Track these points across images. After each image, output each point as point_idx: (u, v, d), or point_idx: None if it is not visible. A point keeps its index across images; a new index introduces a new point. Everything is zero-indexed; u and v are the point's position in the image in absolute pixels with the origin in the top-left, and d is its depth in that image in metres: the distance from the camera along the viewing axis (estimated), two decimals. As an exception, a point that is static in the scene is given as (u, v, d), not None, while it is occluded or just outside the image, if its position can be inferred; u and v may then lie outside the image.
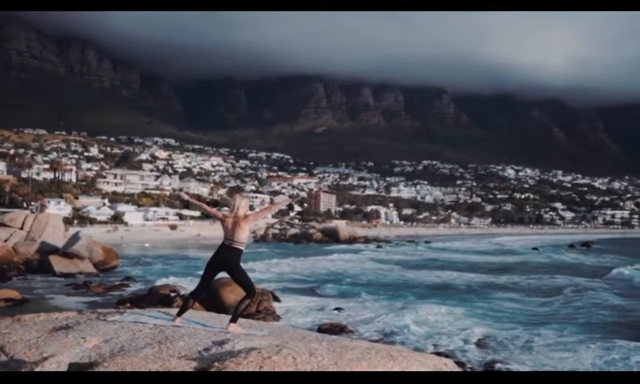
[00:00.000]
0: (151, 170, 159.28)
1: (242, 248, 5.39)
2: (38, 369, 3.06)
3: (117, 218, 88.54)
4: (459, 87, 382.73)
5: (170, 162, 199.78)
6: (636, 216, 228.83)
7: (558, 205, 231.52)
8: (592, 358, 13.15)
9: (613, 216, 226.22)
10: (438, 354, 11.27)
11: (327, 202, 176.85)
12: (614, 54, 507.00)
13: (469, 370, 11.12)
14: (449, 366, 4.08)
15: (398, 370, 3.60)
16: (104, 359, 3.50)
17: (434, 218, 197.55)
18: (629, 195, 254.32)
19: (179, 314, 5.30)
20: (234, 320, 5.22)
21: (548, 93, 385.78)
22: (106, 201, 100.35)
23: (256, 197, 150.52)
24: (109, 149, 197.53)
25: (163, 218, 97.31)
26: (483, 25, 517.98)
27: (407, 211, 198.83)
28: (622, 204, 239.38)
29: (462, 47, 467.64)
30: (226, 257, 5.33)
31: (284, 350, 3.51)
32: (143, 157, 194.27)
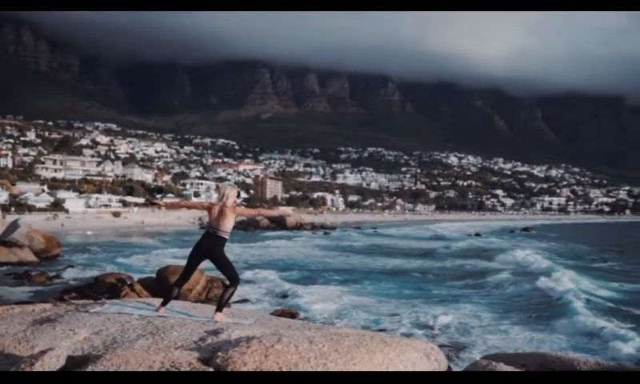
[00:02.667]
0: (92, 156, 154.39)
1: (227, 237, 5.33)
2: (38, 363, 2.96)
3: (57, 205, 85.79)
4: (404, 75, 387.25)
5: (112, 147, 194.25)
6: (572, 202, 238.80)
7: (499, 192, 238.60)
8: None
9: (550, 203, 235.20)
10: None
11: (273, 189, 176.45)
12: (552, 46, 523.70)
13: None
14: (435, 349, 4.20)
15: (393, 354, 3.68)
16: (103, 352, 3.42)
17: (379, 204, 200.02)
18: (565, 183, 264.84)
19: (163, 304, 5.22)
20: (219, 309, 5.18)
21: (490, 82, 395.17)
22: (45, 187, 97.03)
23: (201, 183, 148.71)
24: (47, 133, 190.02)
25: (106, 205, 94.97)
26: (427, 14, 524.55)
27: (353, 198, 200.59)
28: (558, 191, 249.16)
29: (407, 36, 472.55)
30: (210, 245, 5.26)
31: (284, 338, 3.52)
32: (83, 142, 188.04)
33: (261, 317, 5.94)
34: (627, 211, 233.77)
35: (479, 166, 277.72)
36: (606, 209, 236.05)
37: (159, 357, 3.18)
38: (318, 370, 3.28)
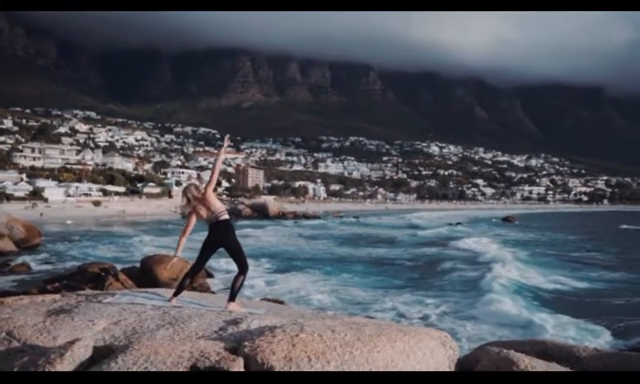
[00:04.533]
0: (71, 144, 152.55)
1: (226, 216, 5.33)
2: (67, 354, 2.93)
3: (36, 194, 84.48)
4: (386, 64, 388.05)
5: (92, 135, 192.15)
6: (551, 192, 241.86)
7: (480, 181, 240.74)
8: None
9: (530, 192, 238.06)
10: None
11: (255, 178, 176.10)
12: (533, 37, 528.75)
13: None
14: (449, 337, 4.26)
15: (412, 343, 3.73)
16: (125, 342, 3.41)
17: (361, 193, 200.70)
18: (544, 172, 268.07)
19: (175, 295, 5.21)
20: (232, 299, 5.18)
21: (471, 72, 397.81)
22: (24, 176, 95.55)
23: (182, 172, 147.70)
24: (24, 121, 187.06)
25: (86, 194, 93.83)
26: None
27: (335, 187, 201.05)
28: (538, 180, 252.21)
29: (389, 25, 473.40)
30: (219, 234, 5.26)
31: (306, 328, 3.55)
32: (62, 130, 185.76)
33: (271, 306, 5.97)
34: (605, 201, 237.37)
35: (460, 155, 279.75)
36: (585, 198, 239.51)
37: (187, 347, 3.17)
38: (345, 357, 3.32)
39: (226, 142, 5.80)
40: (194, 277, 5.38)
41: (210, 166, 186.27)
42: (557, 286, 21.92)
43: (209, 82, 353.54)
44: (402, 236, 49.45)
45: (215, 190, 5.51)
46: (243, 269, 5.32)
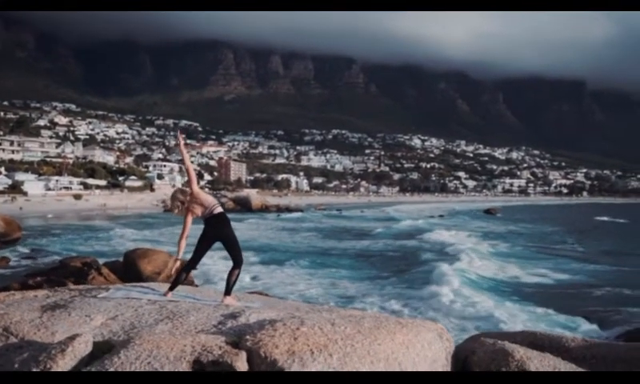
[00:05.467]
0: (51, 137, 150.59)
1: (220, 208, 5.33)
2: (68, 349, 2.90)
3: (15, 188, 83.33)
4: (368, 57, 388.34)
5: (72, 128, 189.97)
6: (532, 184, 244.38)
7: (462, 174, 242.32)
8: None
9: (511, 184, 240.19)
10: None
11: (237, 171, 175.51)
12: (514, 31, 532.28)
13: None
14: (444, 330, 4.29)
15: (411, 335, 3.76)
16: (124, 337, 3.38)
17: (343, 186, 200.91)
18: (525, 165, 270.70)
19: (171, 289, 5.19)
20: (227, 293, 5.17)
21: (453, 65, 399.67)
22: (2, 169, 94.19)
23: (164, 165, 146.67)
24: (2, 114, 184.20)
25: (66, 188, 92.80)
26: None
27: (317, 180, 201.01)
28: (519, 173, 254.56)
29: (372, 18, 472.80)
30: (216, 228, 5.25)
31: (307, 321, 3.55)
32: (41, 123, 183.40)
33: (266, 300, 5.96)
34: (584, 193, 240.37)
35: (442, 148, 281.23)
36: (565, 191, 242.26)
37: (188, 341, 3.16)
38: (347, 350, 3.32)
39: (181, 141, 5.74)
40: (189, 272, 5.36)
41: (193, 159, 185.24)
42: (535, 278, 22.17)
43: (190, 74, 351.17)
44: (378, 228, 49.81)
45: (197, 182, 5.49)
46: (238, 262, 5.31)
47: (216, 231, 5.23)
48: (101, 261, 21.09)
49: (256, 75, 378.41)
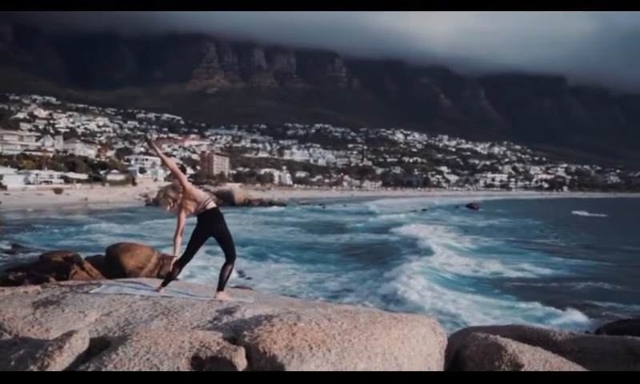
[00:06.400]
0: (30, 130, 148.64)
1: (213, 204, 5.30)
2: (66, 346, 2.87)
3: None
4: (351, 52, 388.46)
5: (52, 121, 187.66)
6: (513, 179, 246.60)
7: (444, 168, 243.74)
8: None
9: (493, 179, 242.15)
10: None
11: (220, 165, 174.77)
12: (496, 26, 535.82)
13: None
14: (437, 324, 4.32)
15: (406, 330, 3.78)
16: (120, 333, 3.35)
17: (326, 180, 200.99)
18: (507, 160, 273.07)
19: (164, 285, 5.15)
20: (221, 288, 5.15)
21: (435, 60, 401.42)
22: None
23: (146, 159, 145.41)
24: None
25: (47, 182, 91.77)
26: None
27: (300, 174, 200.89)
28: (500, 168, 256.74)
29: (354, 12, 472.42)
30: (209, 223, 5.22)
31: (303, 316, 3.55)
32: (21, 115, 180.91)
33: (259, 295, 5.95)
34: (565, 188, 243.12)
35: (424, 143, 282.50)
36: (545, 185, 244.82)
37: (186, 337, 3.14)
38: (345, 345, 3.33)
39: (154, 145, 5.72)
40: (182, 267, 5.32)
41: (175, 153, 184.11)
42: (517, 273, 22.28)
43: (172, 67, 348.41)
44: (353, 222, 49.96)
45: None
46: (231, 258, 5.31)
47: (210, 227, 5.20)
48: (83, 255, 20.84)
49: (239, 69, 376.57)
